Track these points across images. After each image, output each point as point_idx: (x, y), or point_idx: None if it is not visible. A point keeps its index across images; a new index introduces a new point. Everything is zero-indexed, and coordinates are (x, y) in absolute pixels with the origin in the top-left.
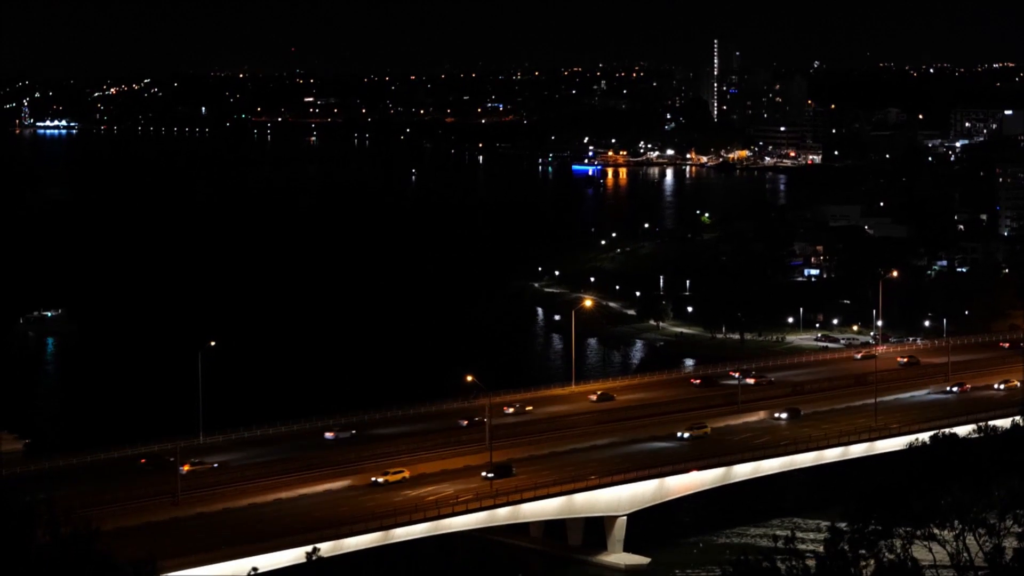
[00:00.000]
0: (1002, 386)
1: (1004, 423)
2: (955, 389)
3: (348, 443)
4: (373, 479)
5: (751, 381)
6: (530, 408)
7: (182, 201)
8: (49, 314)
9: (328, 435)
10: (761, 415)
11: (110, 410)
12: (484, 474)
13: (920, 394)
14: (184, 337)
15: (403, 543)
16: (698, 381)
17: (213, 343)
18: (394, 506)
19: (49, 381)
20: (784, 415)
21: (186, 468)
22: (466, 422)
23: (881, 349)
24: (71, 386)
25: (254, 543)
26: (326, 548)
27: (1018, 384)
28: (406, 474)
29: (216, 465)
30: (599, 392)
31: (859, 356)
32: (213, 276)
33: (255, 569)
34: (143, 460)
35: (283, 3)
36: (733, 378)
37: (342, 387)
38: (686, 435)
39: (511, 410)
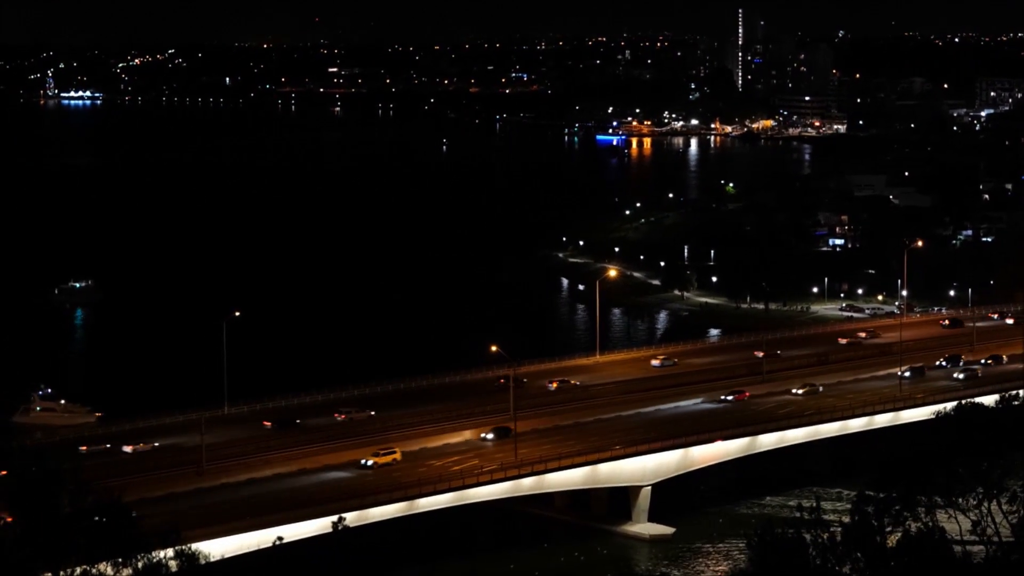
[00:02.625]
0: (800, 391)
1: None
2: (730, 398)
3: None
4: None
5: (1011, 321)
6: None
7: (207, 170)
8: (78, 285)
9: (655, 362)
10: (467, 435)
11: (150, 379)
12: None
13: (687, 404)
14: (210, 306)
15: (428, 513)
16: (947, 322)
17: (237, 313)
18: (418, 476)
19: (86, 352)
20: (491, 436)
21: (554, 385)
22: None
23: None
24: (108, 357)
25: (279, 512)
26: (351, 518)
27: (821, 388)
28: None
29: (577, 384)
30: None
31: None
32: (239, 245)
33: (280, 539)
34: (501, 380)
35: None
36: (991, 319)
37: (363, 358)
38: (370, 462)
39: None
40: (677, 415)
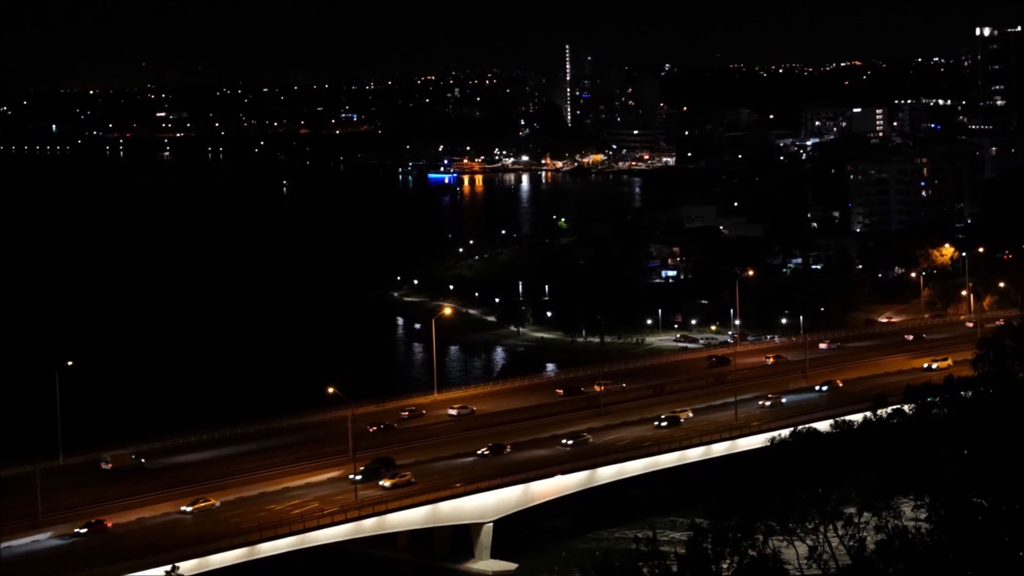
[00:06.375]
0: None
1: (858, 417)
2: (84, 530)
3: None
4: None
5: None
6: None
7: (41, 217)
8: None
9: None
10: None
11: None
12: None
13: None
14: (44, 354)
15: (271, 558)
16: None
17: (71, 362)
18: (258, 521)
19: None
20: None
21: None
22: None
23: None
24: None
25: (112, 564)
26: (190, 566)
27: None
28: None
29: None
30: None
31: None
32: (79, 289)
33: None
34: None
35: (132, 17)
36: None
37: (200, 400)
38: None
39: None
40: None
